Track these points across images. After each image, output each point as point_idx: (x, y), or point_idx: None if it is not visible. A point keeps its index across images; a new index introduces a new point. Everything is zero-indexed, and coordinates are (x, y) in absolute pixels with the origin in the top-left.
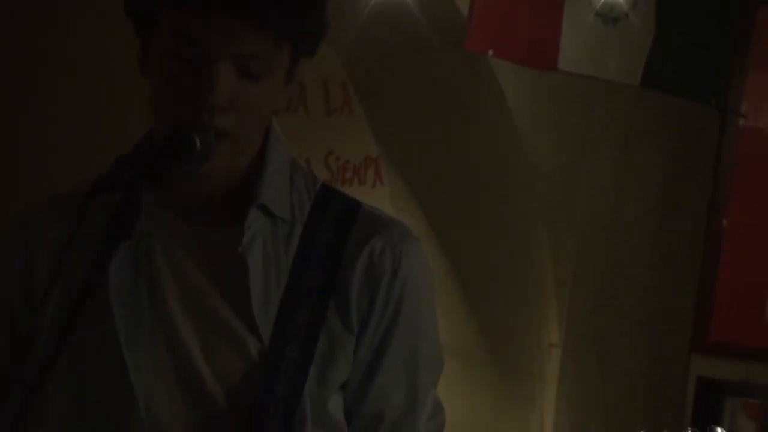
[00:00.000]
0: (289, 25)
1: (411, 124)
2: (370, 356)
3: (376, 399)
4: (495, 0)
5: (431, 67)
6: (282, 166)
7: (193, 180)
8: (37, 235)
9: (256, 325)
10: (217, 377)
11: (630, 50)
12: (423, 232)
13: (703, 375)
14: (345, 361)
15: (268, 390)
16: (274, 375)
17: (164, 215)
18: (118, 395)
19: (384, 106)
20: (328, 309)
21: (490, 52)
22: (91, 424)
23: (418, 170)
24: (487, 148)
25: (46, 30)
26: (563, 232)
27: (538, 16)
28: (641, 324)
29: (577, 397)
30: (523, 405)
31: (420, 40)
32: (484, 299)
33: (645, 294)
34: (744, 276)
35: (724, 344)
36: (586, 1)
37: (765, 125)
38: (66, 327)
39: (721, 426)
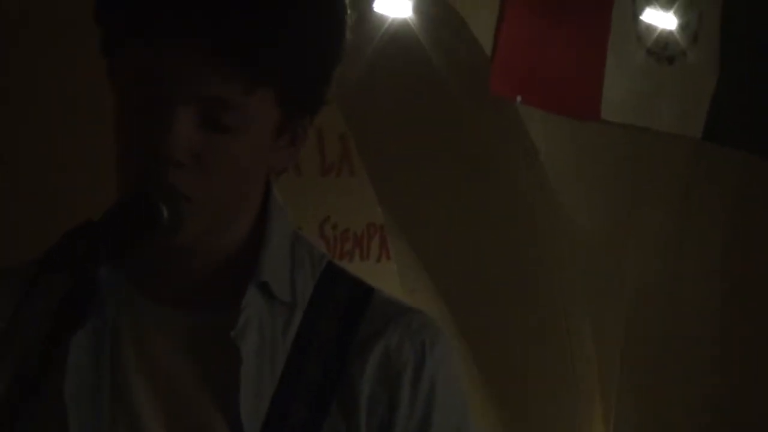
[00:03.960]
0: (261, 63)
1: (423, 186)
2: None
3: None
4: (524, 35)
5: (448, 117)
6: (283, 238)
7: (168, 255)
8: None
9: (242, 427)
10: None
11: (689, 96)
12: (438, 318)
13: None
14: None
15: None
16: None
17: (135, 297)
18: None
19: (391, 163)
20: (330, 409)
21: (519, 98)
22: None
23: (433, 241)
24: (517, 213)
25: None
26: (608, 310)
27: (576, 54)
28: (710, 421)
29: None
30: None
31: (435, 83)
32: (515, 398)
33: (711, 387)
34: None
35: None
36: (635, 35)
37: None
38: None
39: None
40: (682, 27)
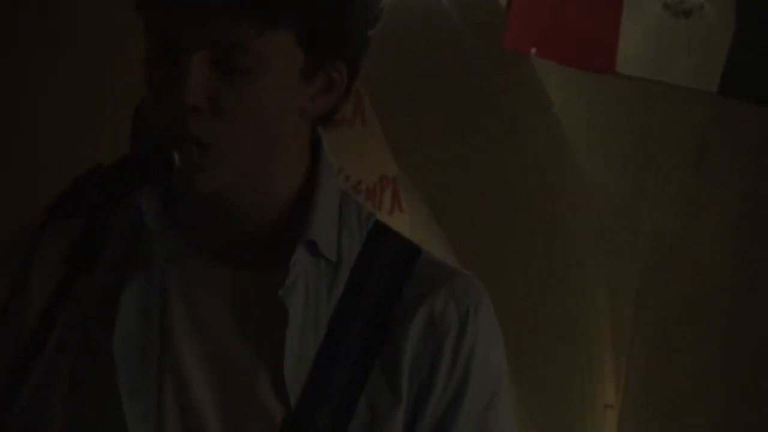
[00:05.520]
0: (271, 6)
1: (436, 138)
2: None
3: None
4: None
5: (462, 69)
6: (331, 196)
7: (215, 210)
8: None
9: (285, 387)
10: None
11: (705, 50)
12: None
13: None
14: None
15: None
16: None
17: (185, 252)
18: None
19: (404, 115)
20: (372, 370)
21: (534, 50)
22: None
23: (445, 193)
24: (530, 168)
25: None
26: (622, 269)
27: (591, 7)
28: (720, 383)
29: None
30: None
31: (449, 36)
32: (526, 353)
33: (724, 345)
34: None
35: None
36: None
37: None
38: (15, 378)
39: None
40: None
